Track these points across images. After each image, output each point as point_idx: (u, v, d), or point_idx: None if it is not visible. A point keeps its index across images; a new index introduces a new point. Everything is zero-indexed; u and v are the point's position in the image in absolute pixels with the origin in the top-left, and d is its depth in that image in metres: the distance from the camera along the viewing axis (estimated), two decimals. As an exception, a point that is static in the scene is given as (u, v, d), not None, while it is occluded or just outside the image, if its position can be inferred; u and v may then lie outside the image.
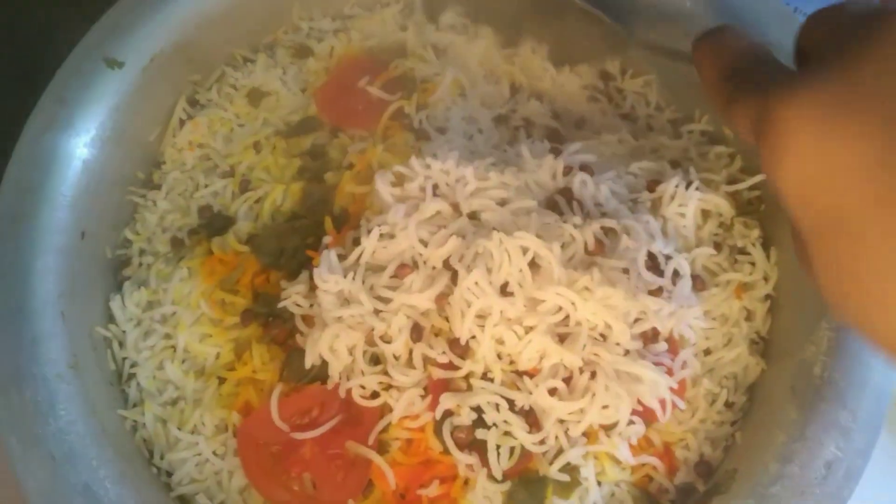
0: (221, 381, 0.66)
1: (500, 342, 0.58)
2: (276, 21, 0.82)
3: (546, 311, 0.58)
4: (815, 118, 0.38)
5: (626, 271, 0.61)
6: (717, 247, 0.70)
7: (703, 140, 0.76)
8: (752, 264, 0.69)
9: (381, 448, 0.61)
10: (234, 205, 0.72)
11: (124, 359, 0.68)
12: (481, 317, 0.58)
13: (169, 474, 0.64)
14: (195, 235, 0.71)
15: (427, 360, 0.60)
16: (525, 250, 0.58)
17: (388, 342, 0.59)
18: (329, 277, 0.61)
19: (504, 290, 0.59)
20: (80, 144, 0.69)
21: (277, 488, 0.61)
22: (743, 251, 0.70)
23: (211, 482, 0.63)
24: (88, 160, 0.69)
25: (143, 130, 0.76)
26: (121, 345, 0.69)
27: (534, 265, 0.59)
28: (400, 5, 0.81)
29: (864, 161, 0.37)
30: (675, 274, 0.64)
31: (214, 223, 0.71)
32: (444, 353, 0.58)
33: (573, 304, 0.58)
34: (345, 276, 0.60)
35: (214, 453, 0.63)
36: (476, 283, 0.57)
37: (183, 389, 0.66)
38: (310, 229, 0.67)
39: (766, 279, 0.69)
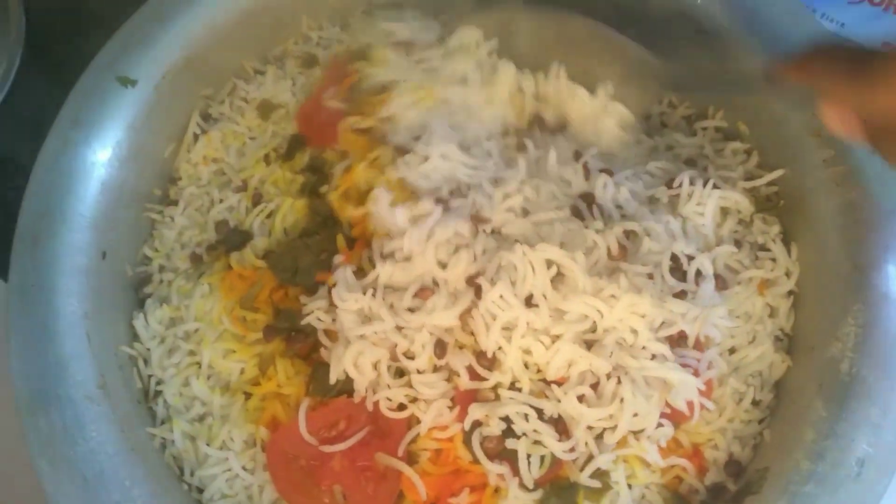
0: (248, 396, 0.66)
1: (528, 352, 0.58)
2: (286, 31, 0.82)
3: (572, 321, 0.58)
4: None
5: (650, 275, 0.61)
6: (738, 244, 0.69)
7: (718, 137, 0.76)
8: (774, 260, 0.69)
9: (411, 459, 0.61)
10: (249, 219, 0.72)
11: (150, 376, 0.68)
12: (507, 329, 0.58)
13: (200, 490, 0.64)
14: (213, 251, 0.71)
15: (453, 373, 0.60)
16: (549, 263, 0.58)
17: (412, 358, 0.59)
18: (347, 296, 0.61)
19: (529, 302, 0.59)
20: (97, 164, 0.69)
21: (309, 501, 0.61)
22: (763, 248, 0.70)
23: (242, 497, 0.64)
24: (106, 180, 0.70)
25: (159, 147, 0.76)
26: (146, 362, 0.69)
27: (558, 275, 0.59)
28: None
29: None
30: (698, 274, 0.64)
31: (232, 238, 0.71)
32: (469, 365, 0.58)
33: (600, 312, 0.58)
34: (364, 293, 0.60)
35: (244, 468, 0.64)
36: (501, 297, 0.57)
37: (210, 405, 0.66)
38: (322, 245, 0.66)
39: (787, 275, 0.68)
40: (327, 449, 0.61)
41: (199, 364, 0.67)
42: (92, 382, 0.62)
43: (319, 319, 0.63)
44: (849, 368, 0.59)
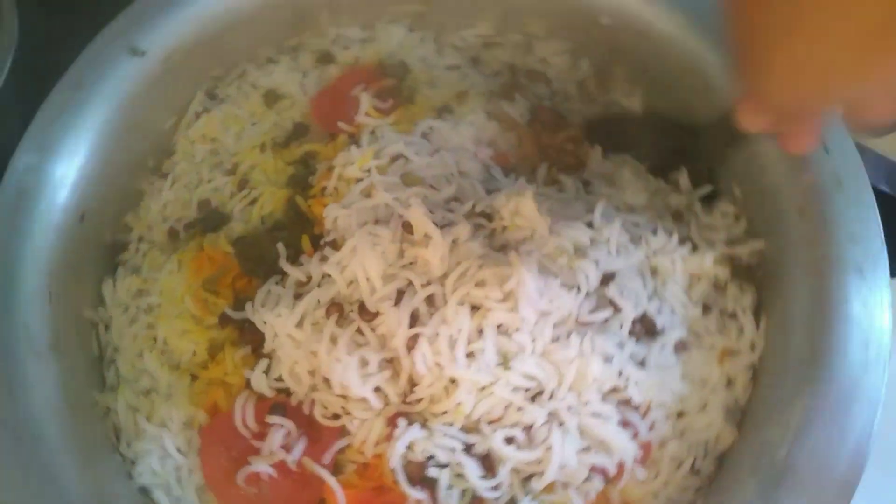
0: (194, 378, 0.67)
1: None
2: (304, 24, 0.82)
3: (515, 379, 0.58)
4: None
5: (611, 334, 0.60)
6: (707, 308, 0.68)
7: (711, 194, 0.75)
8: (741, 330, 0.68)
9: (338, 467, 0.61)
10: (231, 203, 0.73)
11: (108, 343, 0.70)
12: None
13: (133, 463, 0.65)
14: (191, 229, 0.72)
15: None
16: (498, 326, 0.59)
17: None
18: (267, 315, 0.62)
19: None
20: (92, 129, 0.70)
21: (232, 492, 0.62)
22: (733, 316, 0.68)
23: (171, 478, 0.64)
24: (97, 144, 0.71)
25: (159, 119, 0.77)
26: (107, 329, 0.70)
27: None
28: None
29: None
30: (660, 334, 0.64)
31: (210, 219, 0.72)
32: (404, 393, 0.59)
33: (546, 374, 0.58)
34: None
35: (178, 449, 0.64)
36: (436, 362, 0.58)
37: (157, 381, 0.67)
38: (289, 241, 0.67)
39: (752, 347, 0.67)
40: (258, 444, 0.62)
41: (155, 339, 0.69)
42: (44, 340, 0.63)
43: (264, 322, 0.63)
44: (784, 456, 0.58)
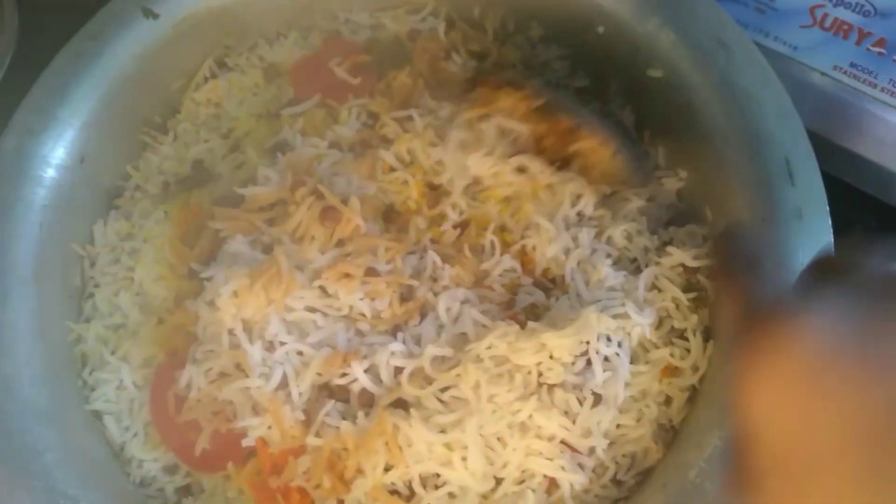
0: (161, 321, 0.72)
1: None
2: (318, 5, 0.85)
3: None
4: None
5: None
6: (660, 322, 0.69)
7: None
8: (687, 350, 0.68)
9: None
10: (222, 164, 0.77)
11: (91, 278, 0.75)
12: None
13: (93, 389, 0.70)
14: (182, 185, 0.77)
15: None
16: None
17: None
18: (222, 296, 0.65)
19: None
20: (103, 79, 0.75)
21: (172, 432, 0.66)
22: (682, 335, 0.69)
23: (123, 407, 0.69)
24: (106, 93, 0.76)
25: (168, 79, 0.82)
26: (92, 265, 0.76)
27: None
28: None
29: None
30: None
31: (200, 177, 0.77)
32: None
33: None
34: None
35: (134, 383, 0.69)
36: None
37: (127, 319, 0.72)
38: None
39: (695, 369, 0.67)
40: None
41: (132, 279, 0.74)
42: (28, 267, 0.69)
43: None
44: (694, 476, 0.58)
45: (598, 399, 0.63)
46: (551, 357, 0.62)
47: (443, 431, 0.61)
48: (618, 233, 0.70)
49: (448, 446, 0.61)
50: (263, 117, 0.80)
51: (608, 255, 0.69)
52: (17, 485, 0.59)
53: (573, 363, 0.62)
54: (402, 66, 0.78)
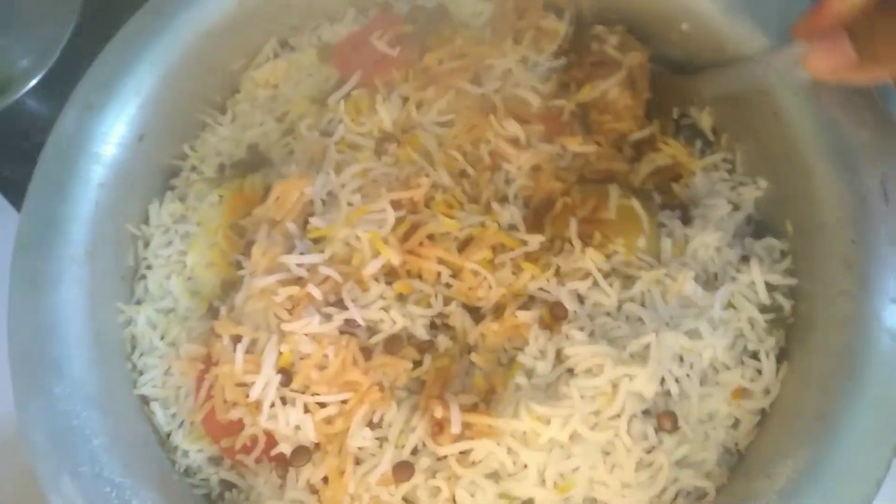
0: (211, 308, 0.70)
1: None
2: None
3: None
4: None
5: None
6: (733, 343, 0.65)
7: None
8: (759, 372, 0.64)
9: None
10: (276, 148, 0.75)
11: (144, 259, 0.74)
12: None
13: (141, 374, 0.69)
14: (236, 168, 0.75)
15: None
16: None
17: None
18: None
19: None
20: (166, 56, 0.74)
21: (216, 425, 0.65)
22: (755, 356, 0.65)
23: (170, 394, 0.68)
24: (168, 71, 0.74)
25: (230, 58, 0.80)
26: (146, 245, 0.75)
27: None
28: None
29: None
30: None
31: (254, 161, 0.75)
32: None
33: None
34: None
35: (181, 372, 0.68)
36: None
37: (178, 304, 0.71)
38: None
39: (766, 392, 0.63)
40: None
41: (184, 263, 0.72)
42: (81, 246, 0.68)
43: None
44: (763, 512, 0.55)
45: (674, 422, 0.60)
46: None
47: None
48: (707, 242, 0.66)
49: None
50: (316, 101, 0.77)
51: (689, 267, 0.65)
52: (63, 470, 0.58)
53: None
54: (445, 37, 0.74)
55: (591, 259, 0.63)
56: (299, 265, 0.63)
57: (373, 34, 0.75)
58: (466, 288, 0.64)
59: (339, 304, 0.63)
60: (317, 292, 0.62)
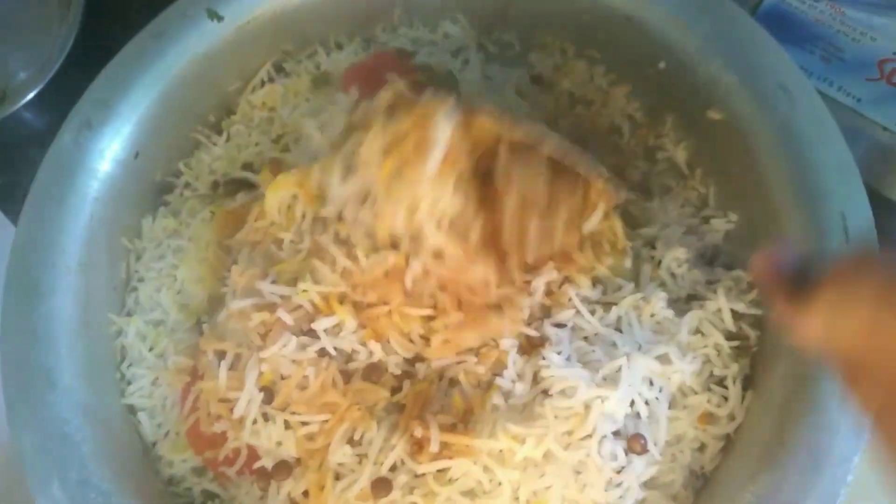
0: (199, 322, 0.72)
1: None
2: (379, 18, 0.85)
3: None
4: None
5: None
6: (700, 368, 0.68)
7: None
8: (725, 399, 0.67)
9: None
10: (269, 168, 0.77)
11: (136, 271, 0.76)
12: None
13: (129, 384, 0.71)
14: (229, 186, 0.78)
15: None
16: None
17: None
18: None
19: None
20: (164, 77, 0.76)
21: (200, 438, 0.67)
22: (721, 383, 0.68)
23: (157, 404, 0.70)
24: (165, 91, 0.77)
25: (226, 80, 0.83)
26: (138, 259, 0.77)
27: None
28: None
29: None
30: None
31: (248, 180, 0.77)
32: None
33: None
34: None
35: (168, 384, 0.70)
36: None
37: (167, 316, 0.73)
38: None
39: (731, 418, 0.66)
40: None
41: (175, 277, 0.74)
42: (75, 257, 0.70)
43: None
44: (724, 533, 0.57)
45: (643, 445, 0.62)
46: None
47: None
48: (677, 256, 0.69)
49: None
50: (313, 125, 0.80)
51: (663, 286, 0.68)
52: (53, 476, 0.60)
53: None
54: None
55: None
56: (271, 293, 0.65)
57: (383, 70, 0.76)
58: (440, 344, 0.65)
59: (312, 332, 0.64)
60: (288, 318, 0.63)
